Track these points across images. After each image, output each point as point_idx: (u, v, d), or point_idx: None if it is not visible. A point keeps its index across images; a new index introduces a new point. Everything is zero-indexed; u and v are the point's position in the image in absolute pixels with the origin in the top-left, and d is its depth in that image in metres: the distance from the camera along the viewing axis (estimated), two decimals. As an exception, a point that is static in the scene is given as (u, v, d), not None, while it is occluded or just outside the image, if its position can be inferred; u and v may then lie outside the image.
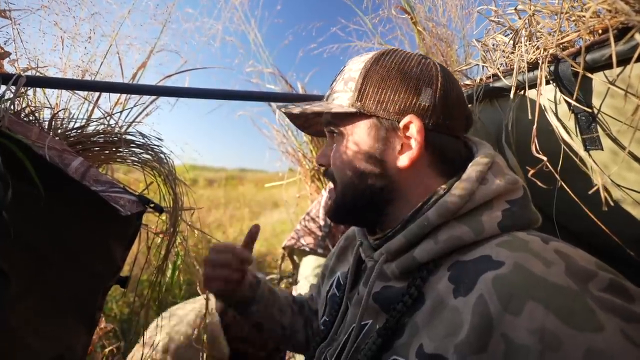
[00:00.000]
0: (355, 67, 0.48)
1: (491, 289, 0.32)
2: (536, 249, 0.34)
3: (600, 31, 0.47)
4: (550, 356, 0.27)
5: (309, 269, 1.57)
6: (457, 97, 0.47)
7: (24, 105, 0.73)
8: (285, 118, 0.58)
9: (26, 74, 0.67)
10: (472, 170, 0.42)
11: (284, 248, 1.68)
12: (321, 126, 0.56)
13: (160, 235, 0.85)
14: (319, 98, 0.79)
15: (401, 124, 0.44)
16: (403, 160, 0.45)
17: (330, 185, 1.81)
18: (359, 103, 0.46)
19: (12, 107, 0.69)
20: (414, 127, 0.44)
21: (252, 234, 0.65)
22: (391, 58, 0.47)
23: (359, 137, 0.47)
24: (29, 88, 0.73)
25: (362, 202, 0.47)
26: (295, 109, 0.52)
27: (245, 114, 2.08)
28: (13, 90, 0.63)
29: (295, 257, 1.77)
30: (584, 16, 0.47)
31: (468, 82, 0.74)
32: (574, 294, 0.29)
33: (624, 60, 0.43)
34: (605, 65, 0.46)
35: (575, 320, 0.27)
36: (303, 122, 0.57)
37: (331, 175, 0.51)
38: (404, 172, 0.46)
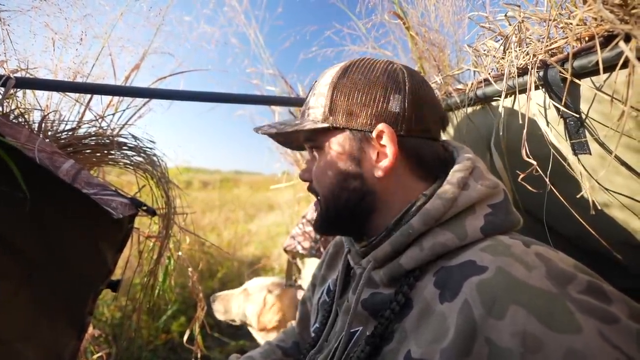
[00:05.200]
0: (324, 81, 0.49)
1: (475, 294, 0.32)
2: (518, 253, 0.35)
3: (587, 38, 0.48)
4: (532, 358, 0.27)
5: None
6: (429, 99, 0.47)
7: (13, 107, 0.72)
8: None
9: (15, 75, 0.66)
10: (454, 176, 0.43)
11: (286, 251, 1.69)
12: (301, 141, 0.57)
13: (152, 239, 0.84)
14: (302, 101, 0.79)
15: (374, 134, 0.45)
16: (380, 170, 0.45)
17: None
18: (331, 118, 0.46)
19: (0, 108, 0.68)
20: (386, 135, 0.44)
21: None
22: (357, 68, 0.47)
23: (335, 151, 0.47)
24: (18, 90, 0.72)
25: (344, 214, 0.48)
26: (271, 129, 0.52)
27: (244, 113, 2.06)
28: (2, 92, 0.63)
29: (298, 260, 1.78)
30: (571, 23, 0.48)
31: (460, 86, 0.74)
32: (553, 296, 0.30)
33: (610, 66, 0.44)
34: (592, 71, 0.47)
35: (555, 322, 0.28)
36: (284, 139, 0.58)
37: (314, 189, 0.52)
38: (382, 181, 0.46)
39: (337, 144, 0.47)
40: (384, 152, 0.45)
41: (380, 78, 0.46)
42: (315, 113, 0.48)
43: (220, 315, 1.54)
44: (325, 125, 0.47)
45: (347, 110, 0.46)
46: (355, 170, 0.46)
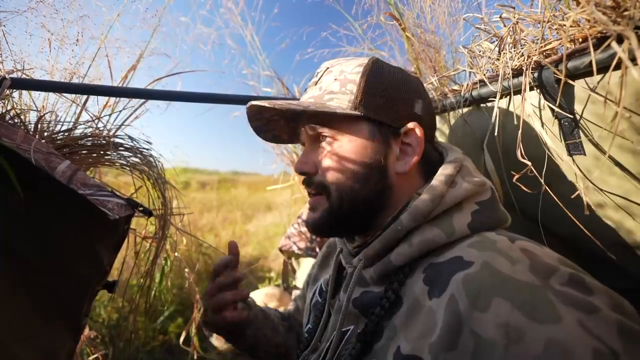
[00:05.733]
0: (349, 69, 0.47)
1: (461, 289, 0.33)
2: (503, 248, 0.35)
3: (580, 40, 0.48)
4: (514, 348, 0.28)
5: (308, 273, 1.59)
6: (433, 109, 0.52)
7: (8, 108, 0.72)
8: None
9: (11, 76, 0.66)
10: (442, 174, 0.44)
11: (281, 251, 1.68)
12: (280, 130, 0.55)
13: (149, 240, 0.84)
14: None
15: (402, 130, 0.46)
16: (402, 166, 0.46)
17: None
18: (361, 107, 0.45)
19: (-4, 109, 0.68)
20: (416, 133, 0.46)
21: (233, 248, 0.61)
22: (389, 67, 0.49)
23: (361, 141, 0.45)
24: (14, 90, 0.72)
25: (360, 209, 0.46)
26: (279, 103, 0.46)
27: (239, 115, 2.05)
28: (-3, 93, 0.62)
29: (293, 260, 1.78)
30: (564, 25, 0.48)
31: (456, 87, 0.75)
32: (536, 289, 0.31)
33: (603, 67, 0.44)
34: (586, 72, 0.47)
35: (536, 313, 0.29)
36: (263, 123, 0.54)
37: (319, 183, 0.47)
38: (401, 178, 0.47)
39: (364, 135, 0.46)
40: (407, 150, 0.46)
41: (410, 81, 0.48)
42: (341, 99, 0.45)
43: (222, 345, 1.40)
44: (357, 113, 0.45)
45: (381, 103, 0.46)
46: (380, 163, 0.46)
